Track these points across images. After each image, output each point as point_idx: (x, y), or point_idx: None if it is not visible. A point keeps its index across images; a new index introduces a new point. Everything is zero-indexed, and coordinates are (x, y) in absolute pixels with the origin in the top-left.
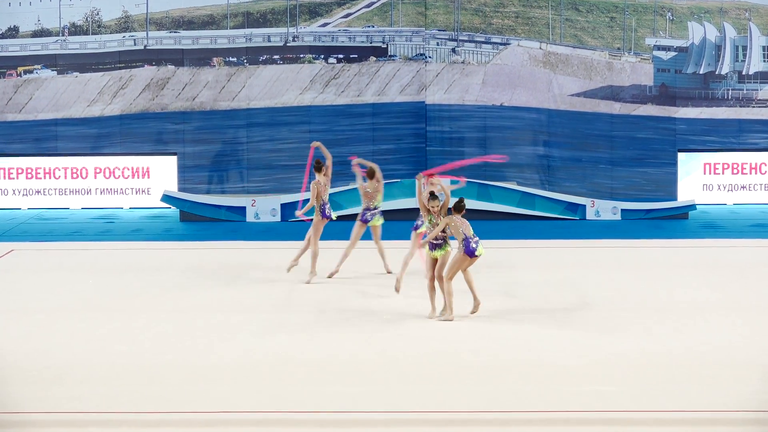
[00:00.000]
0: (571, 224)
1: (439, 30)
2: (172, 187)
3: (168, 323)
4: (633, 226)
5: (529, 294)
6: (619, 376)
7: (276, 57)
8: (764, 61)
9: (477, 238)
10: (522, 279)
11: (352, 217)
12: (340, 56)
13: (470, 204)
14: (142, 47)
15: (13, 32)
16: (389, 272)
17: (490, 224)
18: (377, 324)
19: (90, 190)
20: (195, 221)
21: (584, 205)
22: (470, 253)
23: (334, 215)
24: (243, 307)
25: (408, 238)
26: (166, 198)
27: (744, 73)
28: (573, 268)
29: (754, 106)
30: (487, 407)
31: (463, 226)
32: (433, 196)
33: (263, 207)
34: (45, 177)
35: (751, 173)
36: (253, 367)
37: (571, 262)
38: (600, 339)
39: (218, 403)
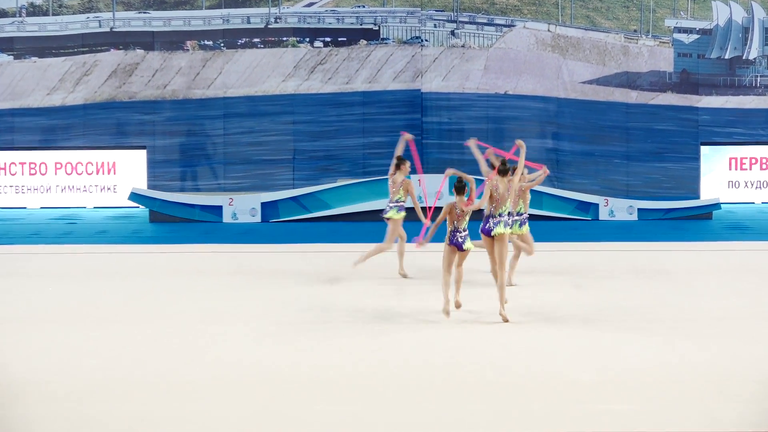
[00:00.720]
0: (582, 225)
1: (436, 10)
2: (141, 184)
3: (137, 335)
4: (651, 227)
5: (537, 301)
6: (637, 392)
7: (256, 40)
8: None
9: (466, 233)
10: (529, 285)
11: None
12: (327, 39)
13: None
14: (108, 29)
15: None
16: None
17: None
18: (372, 333)
19: (50, 187)
20: (166, 222)
21: (597, 204)
22: (457, 245)
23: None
24: (221, 316)
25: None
26: (134, 196)
27: None
28: (584, 274)
29: None
30: (490, 428)
31: (458, 215)
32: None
33: (241, 206)
34: (0, 173)
35: None
36: (233, 382)
37: (583, 266)
38: (617, 351)
39: (195, 422)
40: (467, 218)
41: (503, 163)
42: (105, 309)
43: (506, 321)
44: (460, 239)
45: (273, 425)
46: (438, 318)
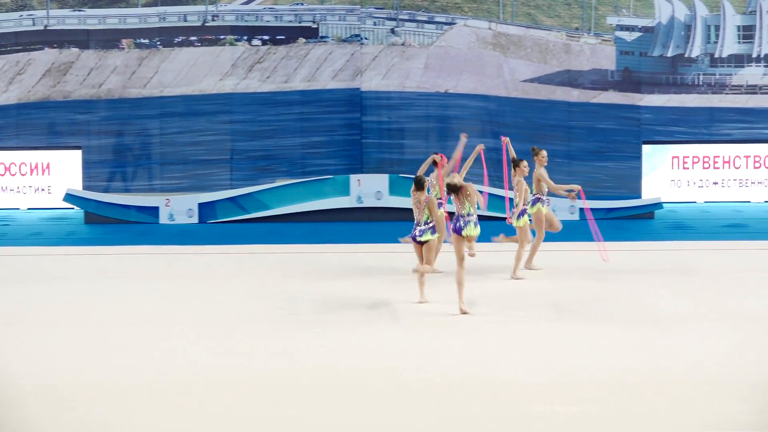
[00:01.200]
0: None
1: (376, 8)
2: (76, 185)
3: (75, 338)
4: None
5: (477, 303)
6: (581, 394)
7: (193, 38)
8: (739, 42)
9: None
10: (468, 287)
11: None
12: (266, 37)
13: (410, 203)
14: (42, 27)
15: None
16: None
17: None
18: (311, 336)
19: None
20: (101, 223)
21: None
22: (456, 231)
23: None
24: (161, 319)
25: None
26: (69, 197)
27: (716, 56)
28: (509, 275)
29: (727, 93)
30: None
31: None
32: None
33: (178, 207)
34: None
35: (723, 168)
36: (171, 388)
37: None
38: (561, 353)
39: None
40: (426, 211)
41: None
42: (41, 313)
43: (464, 313)
44: (462, 224)
45: (214, 428)
46: (393, 317)
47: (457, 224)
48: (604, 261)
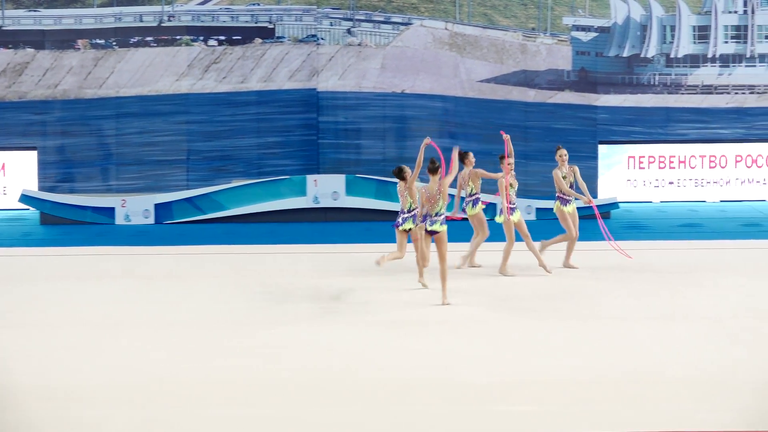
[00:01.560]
0: None
1: (332, 8)
2: (32, 185)
3: (29, 339)
4: (549, 227)
5: (431, 303)
6: (533, 394)
7: (149, 39)
8: (694, 42)
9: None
10: (420, 285)
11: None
12: (222, 38)
13: (368, 203)
14: None
15: None
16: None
17: (389, 225)
18: (270, 336)
19: None
20: (57, 224)
21: (495, 204)
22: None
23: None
24: (115, 321)
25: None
26: (25, 198)
27: (672, 56)
28: (468, 275)
29: (683, 93)
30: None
31: (426, 195)
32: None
33: (134, 208)
34: None
35: (679, 167)
36: (125, 389)
37: (478, 267)
38: (516, 353)
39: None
40: (409, 199)
41: (432, 161)
42: None
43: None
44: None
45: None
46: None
47: (426, 222)
48: (628, 258)
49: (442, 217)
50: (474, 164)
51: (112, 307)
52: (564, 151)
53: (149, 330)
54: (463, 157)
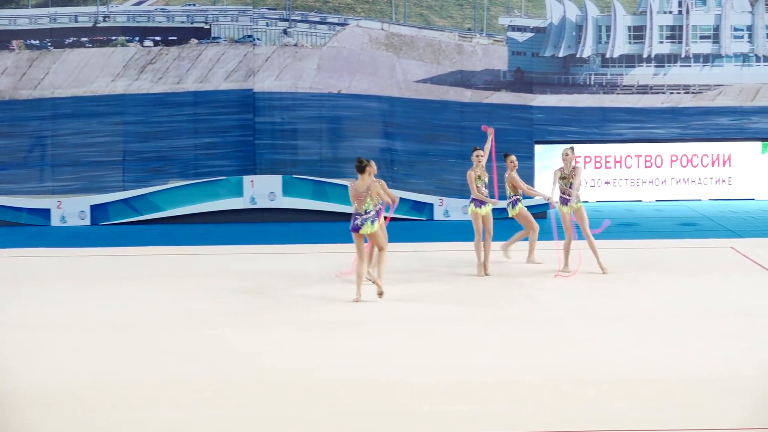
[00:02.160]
0: (417, 225)
1: (268, 8)
2: None
3: None
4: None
5: (371, 304)
6: (477, 394)
7: (84, 39)
8: (630, 43)
9: (370, 215)
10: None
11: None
12: (157, 38)
13: (305, 204)
14: None
15: None
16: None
17: (327, 226)
18: (207, 338)
19: None
20: None
21: (432, 204)
22: (354, 228)
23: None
24: (51, 322)
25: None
26: None
27: (608, 56)
28: (419, 275)
29: (618, 93)
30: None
31: (354, 193)
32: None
33: (70, 209)
34: None
35: (615, 167)
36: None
37: (419, 268)
38: (457, 354)
39: None
40: (368, 200)
41: (359, 161)
42: None
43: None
44: (360, 222)
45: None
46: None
47: (355, 222)
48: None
49: (371, 215)
50: (516, 167)
51: (49, 310)
52: (513, 157)
53: (85, 331)
54: (504, 158)
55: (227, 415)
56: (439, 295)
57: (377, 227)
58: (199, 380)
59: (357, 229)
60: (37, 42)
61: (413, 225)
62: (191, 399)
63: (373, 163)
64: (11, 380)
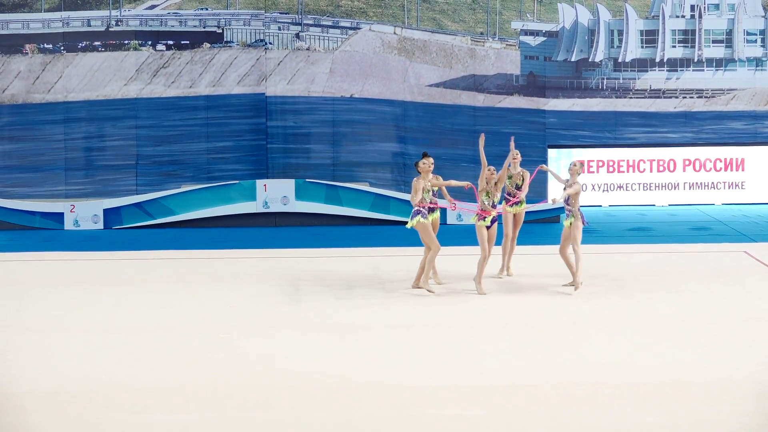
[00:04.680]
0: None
1: (281, 13)
2: None
3: None
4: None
5: (382, 308)
6: (485, 398)
7: (97, 43)
8: (642, 47)
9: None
10: (369, 290)
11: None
12: (170, 42)
13: (317, 208)
14: None
15: None
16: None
17: (339, 230)
18: (218, 341)
19: None
20: (5, 229)
21: (444, 209)
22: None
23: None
24: (62, 326)
25: None
26: None
27: (620, 60)
28: (430, 279)
29: (631, 97)
30: None
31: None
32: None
33: (83, 213)
34: None
35: (628, 171)
36: (71, 394)
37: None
38: (466, 358)
39: None
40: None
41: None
42: None
43: None
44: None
45: None
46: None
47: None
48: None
49: (413, 210)
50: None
51: (60, 313)
52: (516, 152)
53: (96, 335)
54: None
55: (237, 418)
56: (449, 299)
57: (415, 222)
58: (209, 384)
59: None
60: (50, 46)
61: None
62: (201, 402)
63: (422, 161)
64: (20, 384)
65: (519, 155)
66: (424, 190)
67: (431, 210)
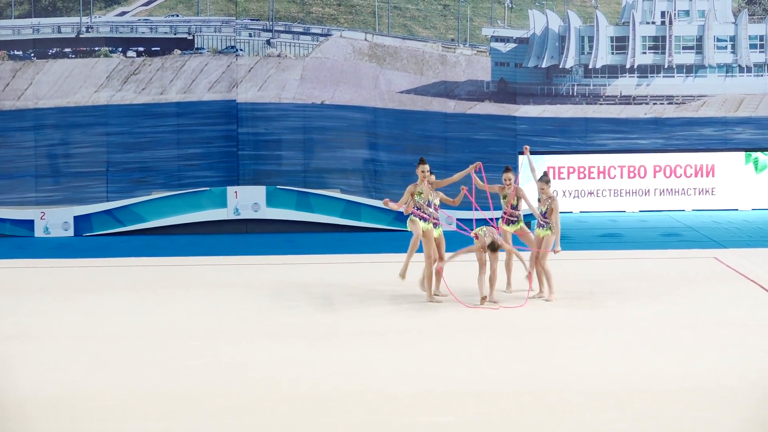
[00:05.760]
0: (402, 236)
1: (251, 19)
2: None
3: None
4: (464, 237)
5: (353, 313)
6: (457, 405)
7: (67, 50)
8: (612, 53)
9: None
10: (341, 296)
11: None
12: (141, 49)
13: (288, 215)
14: None
15: None
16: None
17: (310, 237)
18: (190, 349)
19: None
20: None
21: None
22: None
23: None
24: (34, 334)
25: None
26: None
27: (590, 66)
28: (404, 286)
29: (601, 104)
30: None
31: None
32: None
33: (54, 220)
34: None
35: (599, 178)
36: (45, 403)
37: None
38: (438, 365)
39: None
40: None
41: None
42: None
43: None
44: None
45: None
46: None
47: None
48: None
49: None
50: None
51: (31, 320)
52: (510, 174)
53: (69, 342)
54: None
55: (210, 426)
56: (423, 305)
57: (411, 228)
58: (182, 391)
59: None
60: (20, 53)
61: (397, 236)
62: (174, 410)
63: (419, 166)
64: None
65: (511, 181)
66: (414, 195)
67: (435, 226)
